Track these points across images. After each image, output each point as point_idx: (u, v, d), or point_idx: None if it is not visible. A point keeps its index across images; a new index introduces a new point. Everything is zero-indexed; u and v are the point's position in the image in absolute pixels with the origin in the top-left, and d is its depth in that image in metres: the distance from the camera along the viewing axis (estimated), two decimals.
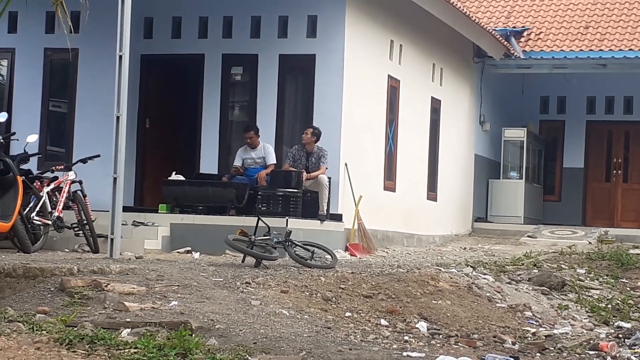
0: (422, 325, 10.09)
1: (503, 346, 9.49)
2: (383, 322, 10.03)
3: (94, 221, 13.98)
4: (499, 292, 12.58)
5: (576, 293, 13.42)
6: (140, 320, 8.50)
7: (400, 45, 18.86)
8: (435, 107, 21.01)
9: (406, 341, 9.20)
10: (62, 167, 14.58)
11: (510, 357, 8.61)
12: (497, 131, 24.57)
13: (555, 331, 10.84)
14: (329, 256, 13.06)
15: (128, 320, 8.50)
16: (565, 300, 13.08)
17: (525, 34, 24.71)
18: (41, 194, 13.57)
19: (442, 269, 13.38)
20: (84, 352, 7.41)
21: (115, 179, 12.51)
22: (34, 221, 13.30)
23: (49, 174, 14.24)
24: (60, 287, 9.69)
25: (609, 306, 12.88)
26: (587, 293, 13.62)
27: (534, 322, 11.41)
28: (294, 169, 16.06)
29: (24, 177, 13.17)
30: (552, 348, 9.62)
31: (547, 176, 26.24)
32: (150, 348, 7.39)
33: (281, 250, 12.81)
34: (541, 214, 25.53)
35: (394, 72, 18.67)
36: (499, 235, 22.89)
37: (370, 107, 17.81)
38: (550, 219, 25.05)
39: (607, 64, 23.47)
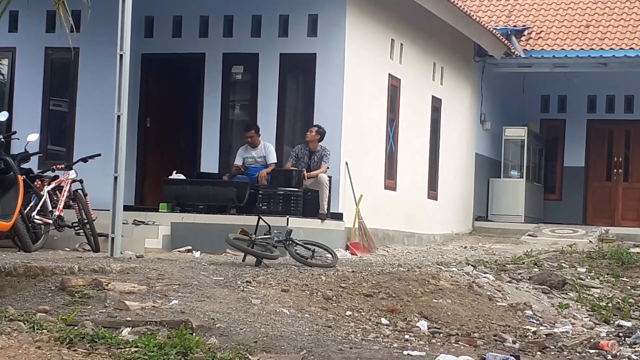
0: (423, 324, 10.09)
1: (504, 345, 9.49)
2: (384, 320, 10.03)
3: (94, 220, 13.98)
4: (500, 291, 12.58)
5: (577, 292, 13.41)
6: (141, 319, 8.50)
7: (401, 44, 18.87)
8: (436, 106, 21.01)
9: (407, 340, 9.20)
10: (63, 166, 14.58)
11: (511, 355, 8.60)
12: (498, 130, 24.57)
13: (555, 330, 10.83)
14: (329, 255, 13.07)
15: (129, 319, 8.50)
16: (565, 299, 13.08)
17: (526, 33, 24.71)
18: (42, 193, 13.58)
19: (443, 268, 13.38)
20: (84, 351, 7.41)
21: (115, 178, 12.50)
22: (35, 220, 13.30)
23: (49, 173, 14.24)
24: (61, 286, 9.68)
25: (610, 305, 12.88)
26: (587, 292, 13.61)
27: (535, 321, 11.40)
28: (294, 168, 16.06)
29: (24, 176, 13.17)
30: (553, 347, 9.61)
31: (547, 175, 26.24)
32: (150, 347, 7.39)
33: (282, 249, 12.81)
34: (542, 212, 25.54)
35: (395, 71, 18.68)
36: (499, 234, 22.89)
37: (370, 106, 17.81)
38: (550, 218, 25.06)
39: (607, 62, 23.46)
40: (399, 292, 11.09)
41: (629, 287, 14.25)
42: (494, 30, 22.81)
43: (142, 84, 17.79)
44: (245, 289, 10.30)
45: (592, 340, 10.06)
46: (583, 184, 25.96)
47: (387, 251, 17.37)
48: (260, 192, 15.59)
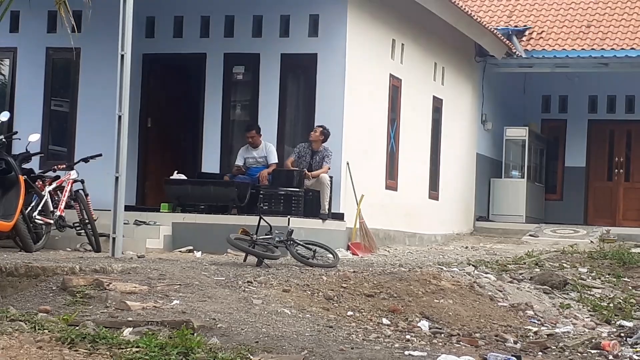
0: (424, 324, 10.08)
1: (505, 345, 9.48)
2: (385, 321, 10.03)
3: (95, 220, 13.97)
4: (501, 291, 12.57)
5: (578, 292, 13.41)
6: (142, 319, 8.50)
7: (402, 45, 18.86)
8: (437, 106, 21.01)
9: (408, 340, 9.20)
10: (64, 166, 14.58)
11: (512, 356, 8.60)
12: (499, 130, 24.57)
13: (557, 330, 10.83)
14: (330, 255, 13.06)
15: (130, 319, 8.50)
16: (567, 299, 13.07)
17: (527, 33, 24.71)
18: (43, 193, 13.57)
19: (444, 268, 13.37)
20: (85, 351, 7.41)
21: (117, 178, 12.50)
22: (36, 220, 13.30)
23: (50, 173, 14.24)
24: (62, 286, 9.68)
25: (611, 305, 12.87)
26: (589, 292, 13.60)
27: (536, 321, 11.40)
28: (295, 168, 16.06)
29: (25, 177, 13.17)
30: (554, 347, 9.61)
31: (549, 175, 26.24)
32: (152, 347, 7.38)
33: (283, 250, 12.81)
34: (543, 213, 25.54)
35: (396, 71, 18.67)
36: (500, 234, 22.89)
37: (372, 106, 17.81)
38: (552, 218, 25.05)
39: (608, 63, 23.46)
40: (400, 292, 11.09)
41: (630, 287, 14.24)
42: (495, 31, 22.80)
43: (143, 84, 17.79)
44: (246, 289, 10.30)
45: (593, 340, 10.05)
46: (584, 184, 25.96)
47: (388, 251, 17.36)
48: (261, 192, 15.59)
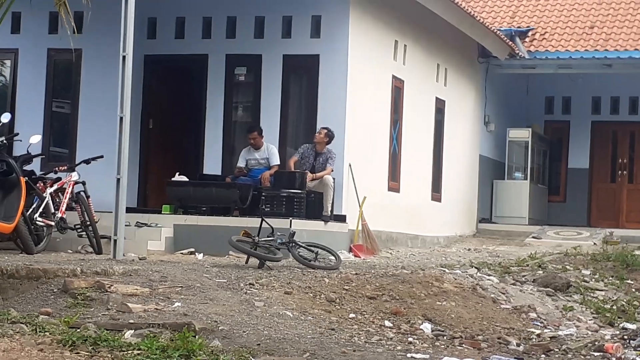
0: (427, 327, 10.06)
1: (508, 347, 9.46)
2: (387, 323, 10.01)
3: (97, 222, 13.96)
4: (504, 294, 12.55)
5: (581, 294, 13.38)
6: (144, 321, 8.49)
7: (405, 46, 18.83)
8: (440, 107, 20.98)
9: (410, 342, 9.17)
10: (65, 167, 14.57)
11: (515, 358, 8.59)
12: (502, 131, 24.54)
13: (560, 332, 10.80)
14: (332, 257, 13.04)
15: (131, 321, 8.48)
16: (570, 301, 13.05)
17: (530, 34, 24.67)
18: (44, 195, 13.56)
19: (447, 270, 13.35)
20: (87, 353, 7.39)
21: (118, 179, 12.49)
22: (37, 222, 13.29)
23: (52, 175, 14.23)
24: (63, 288, 9.67)
25: (614, 307, 12.85)
26: (592, 294, 13.58)
27: (539, 324, 11.38)
28: (297, 170, 16.03)
29: (27, 178, 13.16)
30: (557, 349, 9.58)
31: (552, 177, 26.21)
32: (153, 349, 7.38)
33: (285, 252, 12.79)
34: (546, 214, 25.50)
35: (398, 72, 18.64)
36: (503, 236, 22.86)
37: (374, 108, 17.78)
38: (555, 220, 25.01)
39: (612, 64, 23.43)
40: (402, 295, 11.07)
41: (633, 290, 14.22)
42: (498, 31, 22.77)
43: (145, 85, 17.77)
44: (248, 292, 10.28)
45: (596, 343, 10.01)
46: (587, 186, 25.93)
47: (391, 253, 17.34)
48: (263, 194, 15.56)
